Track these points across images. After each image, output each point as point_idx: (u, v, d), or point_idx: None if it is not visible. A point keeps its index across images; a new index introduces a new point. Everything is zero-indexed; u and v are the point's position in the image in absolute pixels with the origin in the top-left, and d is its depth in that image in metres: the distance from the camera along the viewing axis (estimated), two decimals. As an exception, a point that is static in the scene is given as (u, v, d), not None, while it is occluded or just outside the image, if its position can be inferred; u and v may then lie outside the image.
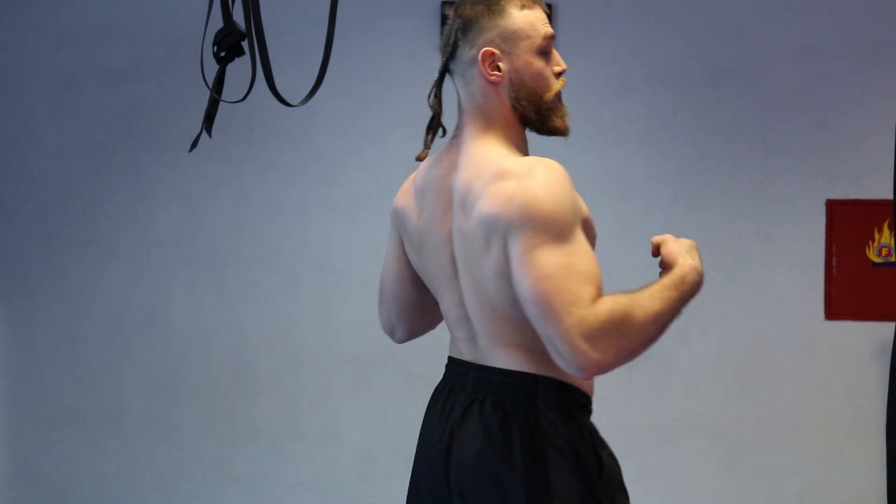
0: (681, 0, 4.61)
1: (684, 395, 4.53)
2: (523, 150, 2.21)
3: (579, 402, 2.13)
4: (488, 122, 2.18)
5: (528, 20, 2.17)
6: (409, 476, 2.30)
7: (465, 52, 2.17)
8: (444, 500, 2.16)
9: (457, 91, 2.23)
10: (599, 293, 1.95)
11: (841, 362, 4.49)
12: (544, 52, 2.18)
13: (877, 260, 4.48)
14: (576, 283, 1.93)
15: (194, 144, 2.49)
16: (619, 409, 4.48)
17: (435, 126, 2.24)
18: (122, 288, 4.69)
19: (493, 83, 2.16)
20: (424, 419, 2.26)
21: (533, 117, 2.19)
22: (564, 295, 1.92)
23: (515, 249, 1.98)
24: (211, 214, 4.68)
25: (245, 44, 2.43)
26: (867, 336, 4.46)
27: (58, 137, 4.73)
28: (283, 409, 4.63)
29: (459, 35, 2.16)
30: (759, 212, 4.54)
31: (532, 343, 2.07)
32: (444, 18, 4.57)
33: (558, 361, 1.95)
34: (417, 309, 2.39)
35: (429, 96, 2.25)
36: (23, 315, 4.72)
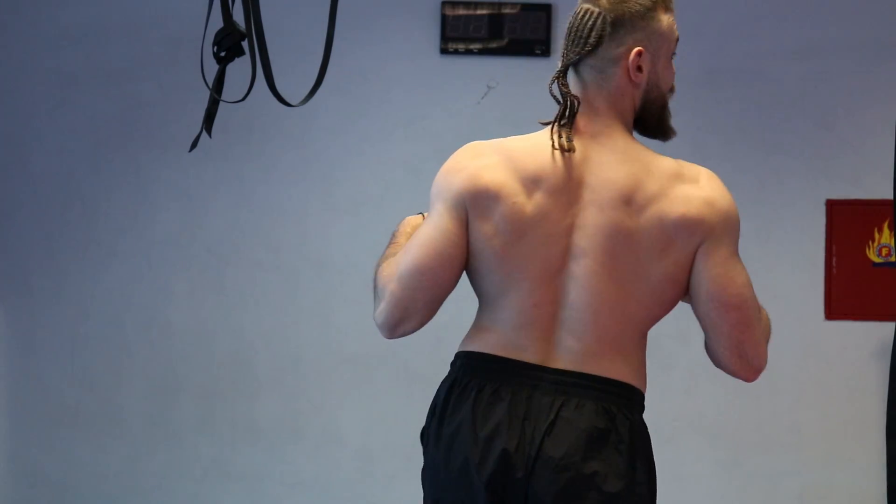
0: (681, 0, 4.61)
1: (684, 395, 4.53)
2: None
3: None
4: (620, 119, 2.16)
5: (671, 24, 2.18)
6: (427, 483, 2.15)
7: (610, 49, 2.11)
8: None
9: (582, 81, 2.13)
10: None
11: (841, 362, 4.49)
12: (672, 56, 2.20)
13: (877, 260, 4.48)
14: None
15: (194, 144, 2.49)
16: (619, 409, 4.48)
17: (574, 114, 2.11)
18: (122, 288, 4.69)
19: (634, 84, 2.15)
20: (468, 424, 2.08)
21: (653, 120, 2.23)
22: (756, 305, 2.10)
23: (720, 254, 2.08)
24: (211, 214, 4.68)
25: (245, 44, 2.43)
26: (867, 336, 4.45)
27: (58, 137, 4.73)
28: (283, 409, 4.63)
29: (604, 30, 2.10)
30: (759, 212, 4.53)
31: (632, 352, 2.13)
32: (444, 18, 4.57)
33: (733, 365, 2.14)
34: (443, 299, 2.16)
35: (554, 85, 2.13)
36: (23, 315, 4.72)
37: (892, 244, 4.47)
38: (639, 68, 2.13)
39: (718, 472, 4.51)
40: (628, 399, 2.12)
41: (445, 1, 4.56)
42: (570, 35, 2.14)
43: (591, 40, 2.10)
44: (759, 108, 4.55)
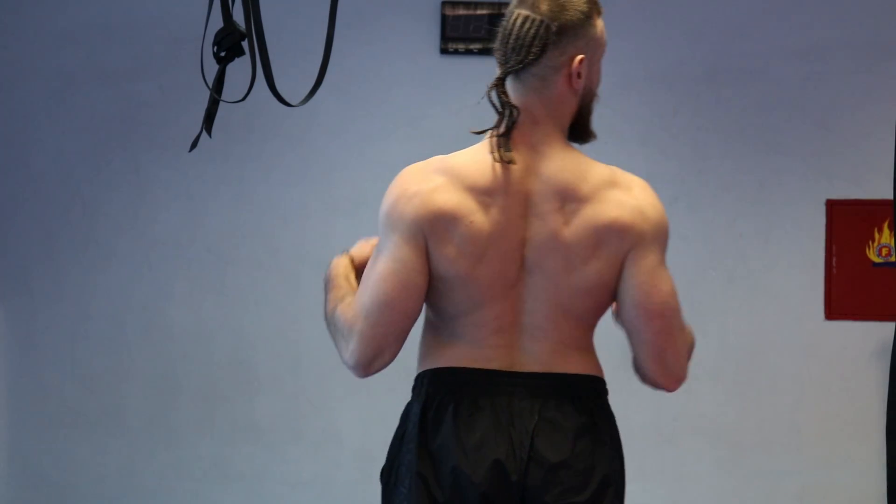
0: (681, 0, 4.61)
1: (684, 395, 4.50)
2: None
3: None
4: (558, 127, 2.17)
5: (603, 28, 2.20)
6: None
7: (553, 57, 2.11)
8: None
9: (522, 90, 2.12)
10: None
11: (841, 362, 4.49)
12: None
13: (877, 260, 4.48)
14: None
15: (194, 144, 2.49)
16: (619, 409, 4.44)
17: (514, 124, 2.10)
18: (122, 288, 4.69)
19: (574, 91, 2.16)
20: (453, 441, 2.08)
21: (585, 124, 2.24)
22: (679, 315, 2.13)
23: (648, 262, 2.09)
24: (211, 214, 4.68)
25: (245, 44, 2.43)
26: (867, 336, 4.45)
27: (58, 137, 4.72)
28: (283, 409, 4.63)
29: (547, 39, 2.09)
30: (760, 212, 4.54)
31: (587, 346, 2.18)
32: (444, 18, 4.57)
33: (654, 373, 2.17)
34: (410, 329, 2.14)
35: (492, 94, 2.12)
36: (23, 315, 4.72)
37: (892, 244, 4.47)
38: (578, 75, 2.13)
39: (718, 472, 4.51)
40: (597, 389, 2.20)
41: (445, 1, 4.56)
42: (507, 42, 2.12)
43: (535, 49, 2.09)
44: (759, 108, 4.55)
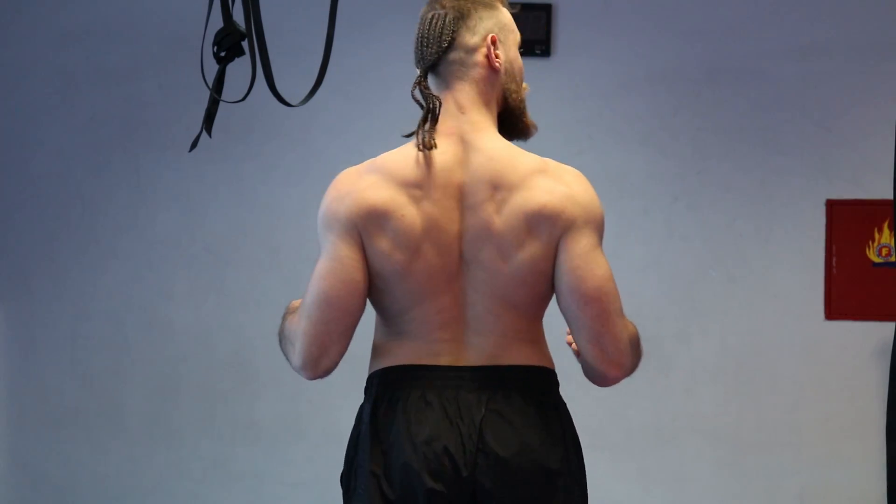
0: (681, 0, 4.62)
1: (684, 396, 4.53)
2: None
3: None
4: (487, 115, 2.20)
5: (511, 20, 2.27)
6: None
7: (465, 40, 2.19)
8: None
9: (445, 82, 2.21)
10: None
11: (841, 362, 4.49)
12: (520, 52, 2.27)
13: (877, 260, 4.48)
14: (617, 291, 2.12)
15: (194, 144, 2.49)
16: (619, 409, 4.48)
17: (436, 115, 2.17)
18: (122, 288, 4.69)
19: (495, 70, 2.20)
20: (404, 433, 2.10)
21: (516, 111, 2.25)
22: (617, 300, 2.11)
23: (580, 246, 2.09)
24: (211, 214, 4.68)
25: (245, 44, 2.43)
26: (867, 336, 4.46)
27: (58, 137, 4.73)
28: (283, 409, 4.63)
29: (457, 25, 2.19)
30: (760, 212, 4.54)
31: (535, 336, 2.16)
32: (444, 18, 4.57)
33: (593, 358, 2.10)
34: (354, 328, 2.16)
35: (415, 92, 2.22)
36: (23, 315, 4.72)
37: (892, 244, 4.47)
38: (496, 54, 2.19)
39: (718, 472, 4.51)
40: (547, 380, 2.17)
41: (445, 1, 4.56)
42: (421, 42, 2.22)
43: (446, 36, 2.18)
44: (759, 108, 4.55)
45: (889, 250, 4.47)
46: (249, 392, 4.65)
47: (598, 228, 2.13)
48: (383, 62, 4.65)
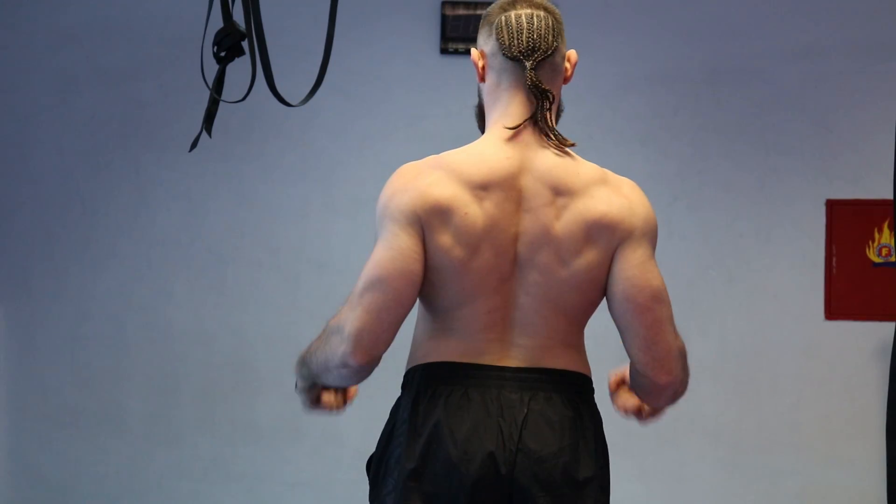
0: (681, 0, 4.62)
1: (684, 395, 4.53)
2: None
3: None
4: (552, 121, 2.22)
5: None
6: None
7: (562, 47, 2.21)
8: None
9: (535, 85, 2.17)
10: None
11: (841, 362, 4.49)
12: None
13: (877, 260, 4.48)
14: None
15: (194, 144, 2.50)
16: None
17: (544, 113, 2.18)
18: (122, 288, 4.69)
19: (566, 82, 2.26)
20: (445, 430, 2.10)
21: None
22: (669, 310, 2.17)
23: (637, 256, 2.15)
24: (211, 214, 4.68)
25: (245, 44, 2.43)
26: (867, 336, 4.46)
27: (58, 137, 4.73)
28: (283, 409, 4.63)
29: (559, 29, 2.20)
30: (760, 212, 4.54)
31: (577, 343, 2.21)
32: (444, 18, 4.57)
33: (644, 365, 2.16)
34: (401, 322, 2.13)
35: (528, 83, 2.17)
36: (23, 315, 4.72)
37: (892, 244, 4.47)
38: (573, 67, 2.25)
39: (718, 472, 4.51)
40: (585, 387, 2.21)
41: (445, 1, 4.56)
42: (519, 38, 2.18)
43: (552, 39, 2.18)
44: (759, 108, 4.55)
45: (889, 250, 4.47)
46: (249, 392, 4.65)
47: (653, 240, 2.21)
48: (383, 62, 4.65)
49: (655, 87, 4.57)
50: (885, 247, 4.48)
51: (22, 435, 4.71)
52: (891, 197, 3.88)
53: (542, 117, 2.17)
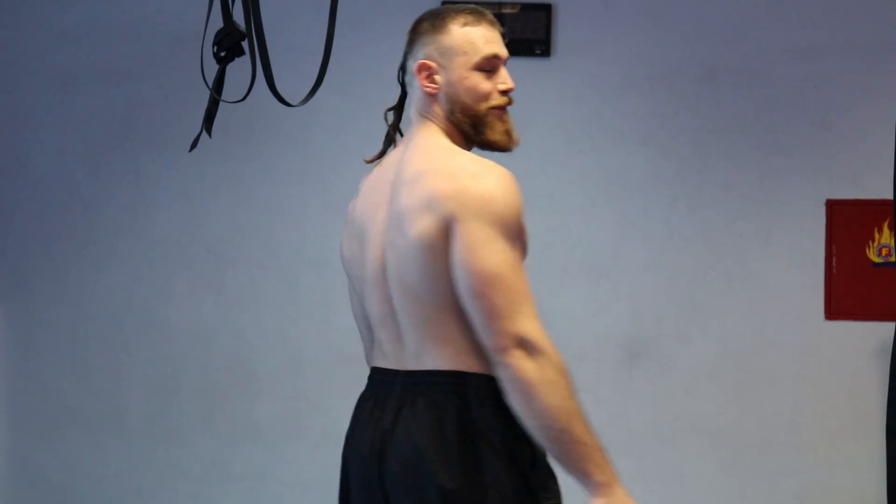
0: (681, 0, 4.62)
1: (684, 396, 4.53)
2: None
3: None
4: (432, 127, 2.29)
5: (468, 38, 2.27)
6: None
7: (410, 64, 2.32)
8: None
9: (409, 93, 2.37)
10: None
11: (841, 362, 4.49)
12: (484, 69, 2.27)
13: (877, 260, 4.48)
14: (523, 286, 2.07)
15: (194, 144, 2.49)
16: (619, 409, 4.48)
17: (390, 137, 2.41)
18: (122, 288, 4.69)
19: (429, 94, 2.28)
20: (350, 433, 2.33)
21: (469, 130, 2.28)
22: (512, 295, 2.05)
23: (469, 237, 2.08)
24: (211, 214, 4.68)
25: (245, 44, 2.43)
26: (867, 336, 4.46)
27: (58, 137, 4.72)
28: (283, 409, 4.63)
29: (408, 48, 2.32)
30: (760, 212, 4.54)
31: (457, 337, 2.13)
32: (444, 18, 4.57)
33: (485, 344, 2.07)
34: None
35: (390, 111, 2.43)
36: (23, 315, 4.72)
37: (892, 244, 4.47)
38: (433, 80, 2.27)
39: (718, 472, 4.51)
40: (458, 387, 2.13)
41: (445, 1, 4.56)
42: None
43: (403, 58, 2.36)
44: (759, 108, 4.55)
45: (889, 250, 4.47)
46: (249, 392, 4.65)
47: (492, 220, 2.08)
48: (383, 62, 4.64)
49: (655, 87, 4.57)
50: (885, 247, 4.48)
51: (21, 435, 4.71)
52: (891, 197, 3.88)
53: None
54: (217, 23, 2.43)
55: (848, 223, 4.49)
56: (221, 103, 2.46)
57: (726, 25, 4.57)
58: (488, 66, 2.28)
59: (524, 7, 4.54)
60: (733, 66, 4.56)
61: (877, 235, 4.48)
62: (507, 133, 2.30)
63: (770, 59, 4.55)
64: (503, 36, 2.31)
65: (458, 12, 2.28)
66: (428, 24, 2.29)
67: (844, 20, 4.52)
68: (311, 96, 2.53)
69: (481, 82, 2.27)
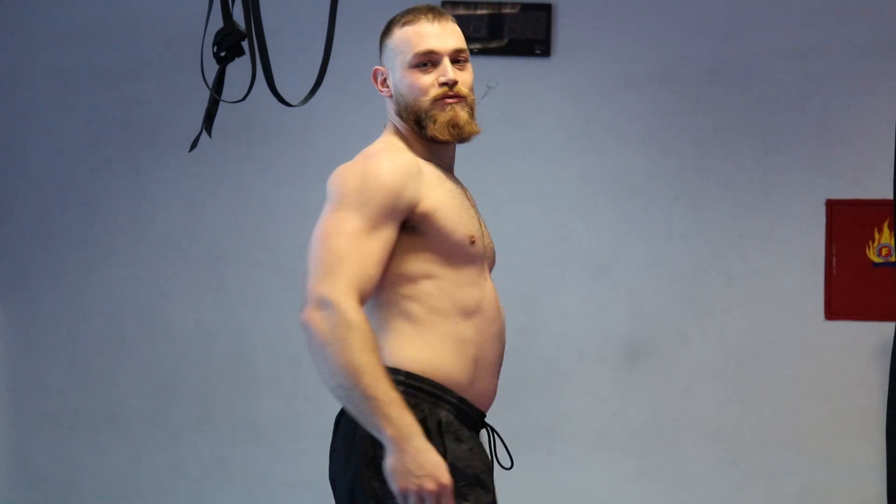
0: (681, 0, 4.61)
1: (684, 395, 4.52)
2: (423, 154, 2.32)
3: (429, 392, 2.15)
4: (389, 128, 2.41)
5: (403, 38, 2.32)
6: None
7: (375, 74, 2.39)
8: None
9: None
10: (357, 290, 2.06)
11: (841, 362, 4.49)
12: (420, 66, 2.29)
13: (877, 260, 4.48)
14: (345, 251, 2.09)
15: (194, 144, 2.49)
16: (619, 409, 4.47)
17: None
18: (121, 287, 4.68)
19: (386, 97, 2.38)
20: None
21: (416, 127, 2.32)
22: (322, 258, 2.10)
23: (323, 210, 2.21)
24: (210, 214, 4.68)
25: (245, 44, 2.43)
26: (867, 336, 4.45)
27: (58, 137, 4.72)
28: (283, 409, 4.63)
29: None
30: (760, 211, 4.53)
31: (395, 326, 2.20)
32: (443, 18, 4.57)
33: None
34: None
35: None
36: (22, 314, 4.72)
37: (892, 244, 4.47)
38: (386, 84, 2.36)
39: (718, 472, 4.51)
40: None
41: (445, 1, 4.55)
42: None
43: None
44: (759, 108, 4.55)
45: (889, 250, 4.47)
46: (248, 392, 4.65)
47: (336, 195, 2.25)
48: (383, 62, 4.65)
49: (656, 87, 4.57)
50: (885, 247, 4.47)
51: (21, 434, 4.71)
52: (891, 197, 3.88)
53: None
54: (217, 23, 2.43)
55: (848, 223, 4.49)
56: (221, 103, 2.46)
57: (726, 25, 4.57)
58: (424, 62, 2.27)
59: (524, 7, 4.54)
60: (733, 66, 4.56)
61: (877, 235, 4.48)
62: (451, 124, 2.26)
63: (770, 59, 4.54)
64: (466, 27, 2.44)
65: (404, 13, 2.33)
66: (383, 30, 2.36)
67: (844, 20, 4.52)
68: (311, 96, 2.54)
69: (419, 78, 2.28)
